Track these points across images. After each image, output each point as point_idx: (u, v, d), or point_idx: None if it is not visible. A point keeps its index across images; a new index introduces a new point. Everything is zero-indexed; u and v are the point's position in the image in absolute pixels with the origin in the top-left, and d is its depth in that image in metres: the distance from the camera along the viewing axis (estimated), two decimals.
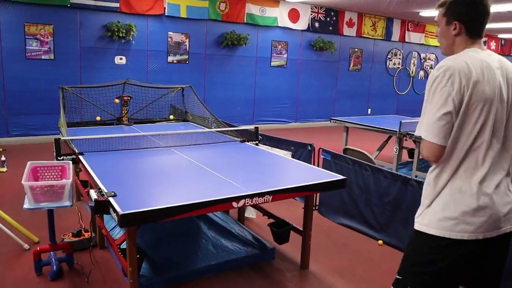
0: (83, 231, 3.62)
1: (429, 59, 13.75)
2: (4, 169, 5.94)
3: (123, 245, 2.72)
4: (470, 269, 1.82)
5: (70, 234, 3.57)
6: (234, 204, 2.51)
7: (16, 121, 7.83)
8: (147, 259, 3.16)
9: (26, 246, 3.56)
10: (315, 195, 4.74)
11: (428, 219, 1.78)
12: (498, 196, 1.72)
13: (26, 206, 2.84)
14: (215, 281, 3.10)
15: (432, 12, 10.48)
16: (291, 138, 5.02)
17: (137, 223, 2.35)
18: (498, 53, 11.33)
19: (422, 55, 13.50)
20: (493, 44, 15.66)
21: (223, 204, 2.48)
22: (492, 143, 1.71)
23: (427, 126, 1.69)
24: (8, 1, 7.35)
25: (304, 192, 2.93)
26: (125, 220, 2.20)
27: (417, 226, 1.83)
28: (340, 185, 3.02)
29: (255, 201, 2.59)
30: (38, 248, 3.16)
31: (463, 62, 1.67)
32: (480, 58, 1.71)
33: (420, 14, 10.99)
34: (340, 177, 3.03)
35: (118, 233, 3.52)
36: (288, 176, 3.23)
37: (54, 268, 3.11)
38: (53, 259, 3.18)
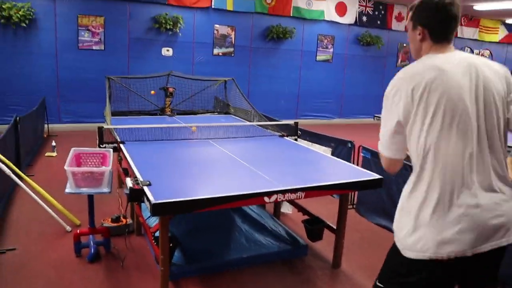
0: (122, 218, 3.73)
1: (483, 55, 13.08)
2: (54, 154, 6.23)
3: (157, 234, 2.78)
4: (457, 278, 1.70)
5: (110, 219, 3.69)
6: (266, 199, 2.50)
7: (67, 109, 8.20)
8: (180, 248, 3.22)
9: (68, 228, 3.72)
10: (351, 193, 4.66)
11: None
12: (481, 209, 1.56)
13: (67, 190, 2.97)
14: (246, 273, 3.11)
15: (487, 6, 9.94)
16: (332, 135, 4.93)
17: (168, 212, 2.40)
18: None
19: (475, 51, 12.86)
20: None
21: (255, 198, 2.48)
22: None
23: (381, 141, 1.69)
24: None
25: (338, 190, 2.88)
26: (156, 209, 2.24)
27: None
28: (376, 184, 2.94)
29: (287, 197, 2.57)
30: (78, 231, 3.30)
31: (411, 73, 1.60)
32: (433, 63, 1.59)
33: (474, 7, 10.44)
34: (377, 176, 2.95)
35: (154, 221, 3.60)
36: (323, 173, 3.18)
37: (92, 251, 3.23)
38: (91, 242, 3.31)
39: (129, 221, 3.72)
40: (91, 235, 3.37)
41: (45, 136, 7.44)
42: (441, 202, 1.54)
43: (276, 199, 2.53)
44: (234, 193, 2.41)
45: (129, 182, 2.55)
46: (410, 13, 1.75)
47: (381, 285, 1.78)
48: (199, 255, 3.16)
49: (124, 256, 3.27)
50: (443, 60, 1.61)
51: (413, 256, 1.59)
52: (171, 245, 2.80)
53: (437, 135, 1.54)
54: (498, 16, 12.18)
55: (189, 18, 8.74)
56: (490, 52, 13.17)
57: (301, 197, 2.62)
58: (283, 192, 2.54)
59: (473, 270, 1.67)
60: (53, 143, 6.37)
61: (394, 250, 1.72)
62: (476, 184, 1.55)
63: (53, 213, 3.76)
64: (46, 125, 7.59)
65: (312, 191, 2.66)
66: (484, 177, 1.56)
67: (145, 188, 2.42)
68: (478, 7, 10.35)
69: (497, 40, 13.09)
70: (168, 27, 8.33)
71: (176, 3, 8.49)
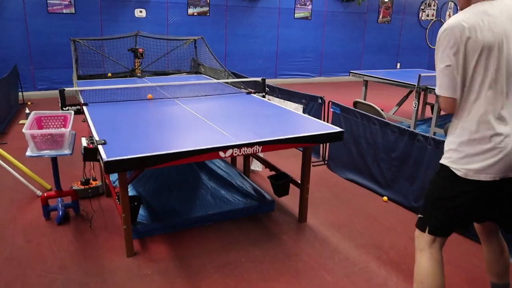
0: (91, 180, 3.74)
1: None
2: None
3: None
4: (492, 206, 1.90)
5: (79, 182, 3.70)
6: (221, 153, 2.51)
7: (42, 75, 8.03)
8: (147, 207, 3.25)
9: (38, 192, 3.73)
10: (323, 148, 4.70)
11: (451, 156, 1.85)
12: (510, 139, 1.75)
13: (28, 153, 2.94)
14: (211, 230, 3.16)
15: None
16: (310, 93, 4.90)
17: (121, 169, 2.40)
18: None
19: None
20: None
21: (210, 153, 2.48)
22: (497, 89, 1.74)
23: (437, 81, 1.81)
24: None
25: (296, 143, 2.88)
26: (108, 167, 2.24)
27: (442, 160, 1.90)
28: (336, 137, 2.95)
29: (244, 151, 2.58)
30: (45, 194, 3.30)
31: (460, 19, 1.73)
32: (482, 10, 1.74)
33: None
34: (337, 129, 2.95)
35: None
36: (284, 128, 3.17)
37: (60, 213, 3.25)
38: (59, 205, 3.32)
39: (99, 183, 3.73)
40: (59, 198, 3.38)
41: (21, 103, 7.33)
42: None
43: (232, 153, 2.54)
44: (188, 149, 2.42)
45: (84, 141, 2.54)
46: None
47: (421, 216, 1.98)
48: (165, 213, 3.20)
49: (92, 217, 3.30)
50: (489, 7, 1.75)
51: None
52: (135, 204, 2.83)
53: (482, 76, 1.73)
54: None
55: None
56: None
57: (258, 151, 2.63)
58: (239, 146, 2.55)
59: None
60: (27, 111, 6.28)
61: (438, 176, 1.93)
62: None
63: (23, 179, 3.75)
64: (20, 93, 7.45)
65: (270, 145, 2.67)
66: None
67: (100, 147, 2.41)
68: None
69: None
70: None
71: None
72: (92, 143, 2.49)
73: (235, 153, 2.55)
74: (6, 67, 7.09)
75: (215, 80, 4.60)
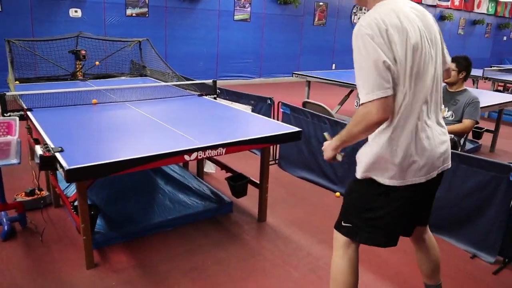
0: (37, 190, 3.52)
1: None
2: None
3: (76, 202, 2.67)
4: (415, 208, 1.91)
5: (23, 193, 3.47)
6: (186, 157, 2.48)
7: None
8: (103, 215, 3.13)
9: None
10: (273, 148, 4.78)
11: (370, 166, 1.81)
12: (432, 140, 1.76)
13: None
14: (172, 235, 3.11)
15: None
16: (249, 93, 4.96)
17: (84, 178, 2.30)
18: (462, 9, 11.49)
19: None
20: (457, 0, 15.75)
21: (175, 157, 2.45)
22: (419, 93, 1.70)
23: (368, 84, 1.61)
24: None
25: (258, 144, 2.93)
26: (71, 175, 2.14)
27: (359, 175, 1.87)
28: (295, 137, 3.02)
29: (208, 153, 2.57)
30: None
31: (386, 14, 1.62)
32: (395, 8, 1.66)
33: None
34: (295, 129, 3.03)
35: (73, 191, 3.45)
36: (243, 129, 3.21)
37: (6, 228, 3.03)
38: (4, 219, 3.10)
39: (46, 193, 3.53)
40: (2, 212, 3.15)
41: None
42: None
43: (197, 156, 2.52)
44: (154, 153, 2.36)
45: (39, 149, 2.39)
46: None
47: (349, 225, 1.92)
48: (122, 220, 3.10)
49: (43, 230, 3.11)
50: (394, 6, 1.67)
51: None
52: (92, 213, 2.71)
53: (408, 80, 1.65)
54: None
55: None
56: None
57: (222, 153, 2.63)
58: (204, 149, 2.54)
59: (427, 196, 1.97)
60: None
61: (359, 189, 1.92)
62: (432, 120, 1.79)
63: None
64: None
65: (233, 147, 2.68)
66: (436, 114, 1.81)
67: (57, 155, 2.29)
68: None
69: None
70: None
71: None
72: (49, 151, 2.35)
73: (200, 156, 2.53)
74: None
75: (166, 83, 4.52)
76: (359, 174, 1.87)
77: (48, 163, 2.30)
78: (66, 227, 3.18)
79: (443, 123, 1.87)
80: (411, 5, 1.74)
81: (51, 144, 2.46)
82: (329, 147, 1.96)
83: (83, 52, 4.90)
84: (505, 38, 19.40)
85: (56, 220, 3.29)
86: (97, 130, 2.96)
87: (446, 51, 1.92)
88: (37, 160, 2.36)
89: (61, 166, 2.18)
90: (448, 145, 1.86)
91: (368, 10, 1.76)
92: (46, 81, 4.75)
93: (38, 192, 3.51)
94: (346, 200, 1.99)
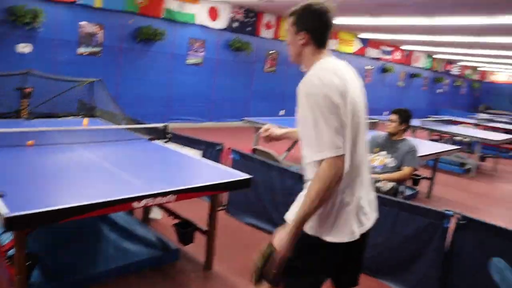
0: None
1: None
2: None
3: (11, 252, 2.52)
4: (339, 264, 1.94)
5: None
6: (135, 204, 2.44)
7: None
8: (40, 265, 2.96)
9: None
10: (222, 194, 4.78)
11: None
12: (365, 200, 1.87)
13: None
14: (115, 285, 2.99)
15: (344, 20, 10.95)
16: (202, 138, 5.00)
17: (27, 226, 2.20)
18: (402, 63, 12.31)
19: None
20: (398, 54, 16.89)
21: (123, 204, 2.40)
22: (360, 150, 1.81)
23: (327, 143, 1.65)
24: None
25: (209, 191, 2.94)
26: (12, 223, 2.03)
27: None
28: (245, 184, 3.06)
29: (158, 201, 2.54)
30: None
31: (332, 74, 1.71)
32: (333, 70, 1.76)
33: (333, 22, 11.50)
34: (246, 176, 3.07)
35: (6, 239, 3.26)
36: (194, 175, 3.22)
37: None
38: None
39: None
40: None
41: None
42: None
43: (146, 203, 2.48)
44: (101, 200, 2.31)
45: None
46: (292, 19, 1.85)
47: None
48: (62, 271, 2.94)
49: None
50: (335, 66, 1.78)
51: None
52: (29, 262, 2.57)
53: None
54: (353, 30, 13.56)
55: (51, 13, 8.04)
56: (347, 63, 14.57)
57: (173, 200, 2.62)
58: (154, 196, 2.50)
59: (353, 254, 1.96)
60: None
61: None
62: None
63: None
64: None
65: (183, 194, 2.67)
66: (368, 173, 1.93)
67: None
68: (337, 21, 11.37)
69: (352, 52, 14.58)
70: (26, 20, 7.56)
71: None
72: None
73: (150, 203, 2.50)
74: None
75: (116, 126, 4.46)
76: None
77: None
78: None
79: None
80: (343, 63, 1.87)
81: None
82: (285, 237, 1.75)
83: (28, 90, 4.76)
84: (441, 90, 20.95)
85: None
86: (41, 174, 2.85)
87: None
88: None
89: None
90: None
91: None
92: None
93: None
94: None
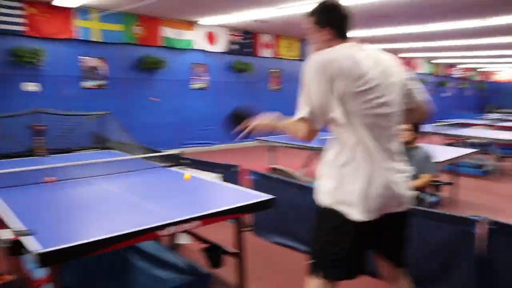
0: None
1: None
2: None
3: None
4: (374, 240, 2.01)
5: None
6: (159, 232, 2.39)
7: None
8: None
9: None
10: (247, 216, 4.72)
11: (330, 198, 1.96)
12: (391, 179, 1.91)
13: None
14: None
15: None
16: (217, 161, 4.97)
17: (60, 260, 2.15)
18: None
19: None
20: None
21: (147, 234, 2.34)
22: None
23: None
24: None
25: (234, 214, 2.89)
26: (47, 258, 2.00)
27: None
28: (269, 205, 3.01)
29: (182, 227, 2.49)
30: None
31: (340, 53, 1.87)
32: (354, 49, 1.91)
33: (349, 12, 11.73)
34: (269, 196, 3.02)
35: (39, 275, 3.22)
36: (215, 199, 3.18)
37: None
38: None
39: (12, 277, 3.27)
40: None
41: None
42: None
43: (170, 231, 2.44)
44: (124, 232, 2.25)
45: (5, 233, 2.24)
46: (312, 18, 2.00)
47: (314, 260, 2.10)
48: None
49: None
50: (347, 49, 1.90)
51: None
52: None
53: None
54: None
55: (52, 51, 8.18)
56: None
57: (198, 226, 2.57)
58: (177, 223, 2.44)
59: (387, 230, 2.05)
60: None
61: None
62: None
63: None
64: None
65: (207, 219, 2.63)
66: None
67: (29, 238, 2.15)
68: None
69: None
70: (27, 60, 7.70)
71: (35, 35, 7.91)
72: (18, 234, 2.21)
73: (174, 230, 2.46)
74: None
75: (134, 155, 4.44)
76: None
77: (18, 247, 2.15)
78: None
79: None
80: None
81: (18, 226, 2.32)
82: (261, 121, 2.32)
83: (38, 127, 4.79)
84: (448, 94, 20.95)
85: None
86: (64, 209, 2.82)
87: None
88: (5, 244, 2.21)
89: (31, 250, 2.04)
90: None
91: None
92: (1, 158, 4.54)
93: (4, 277, 3.25)
94: None
